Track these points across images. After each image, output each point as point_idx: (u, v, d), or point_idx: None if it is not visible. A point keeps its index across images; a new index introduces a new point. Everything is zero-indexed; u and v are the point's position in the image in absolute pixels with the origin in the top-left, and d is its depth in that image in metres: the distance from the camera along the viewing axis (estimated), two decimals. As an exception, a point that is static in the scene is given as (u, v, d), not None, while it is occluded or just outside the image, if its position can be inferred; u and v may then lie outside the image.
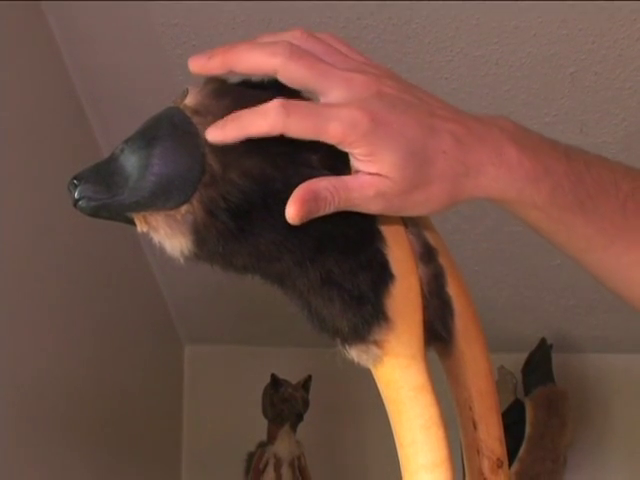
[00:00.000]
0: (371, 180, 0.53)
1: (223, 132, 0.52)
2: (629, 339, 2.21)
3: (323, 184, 0.52)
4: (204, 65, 0.54)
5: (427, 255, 0.58)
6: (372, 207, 0.54)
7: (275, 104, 0.51)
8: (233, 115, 0.52)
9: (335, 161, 0.53)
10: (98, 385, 1.65)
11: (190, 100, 0.53)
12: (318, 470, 2.10)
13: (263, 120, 0.51)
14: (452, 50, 1.38)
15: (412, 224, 0.58)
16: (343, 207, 0.53)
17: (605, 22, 1.33)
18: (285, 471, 2.00)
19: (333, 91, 0.53)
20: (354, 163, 0.53)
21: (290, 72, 0.52)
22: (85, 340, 1.58)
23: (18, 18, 1.31)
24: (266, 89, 0.54)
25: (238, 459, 2.10)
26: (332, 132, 0.52)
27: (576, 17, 1.33)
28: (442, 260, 0.59)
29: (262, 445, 2.06)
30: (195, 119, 0.52)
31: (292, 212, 0.51)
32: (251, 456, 2.08)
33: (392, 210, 0.55)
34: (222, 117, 0.52)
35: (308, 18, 1.34)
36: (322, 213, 0.52)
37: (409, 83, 0.56)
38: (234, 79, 0.55)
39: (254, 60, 0.53)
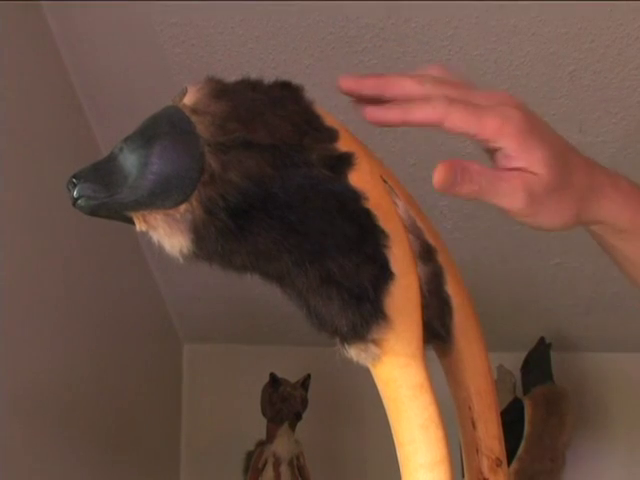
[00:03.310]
0: (520, 174, 0.56)
1: (386, 113, 0.56)
2: (628, 338, 2.21)
3: (474, 165, 0.55)
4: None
5: (426, 254, 0.58)
6: (515, 202, 0.56)
7: (439, 95, 0.56)
8: (396, 102, 0.56)
9: (335, 161, 0.53)
10: (97, 384, 1.65)
11: (189, 99, 0.53)
12: (317, 469, 2.10)
13: (429, 108, 0.55)
14: (451, 49, 1.38)
15: (411, 223, 0.58)
16: (484, 194, 0.55)
17: (604, 21, 1.33)
18: (284, 470, 2.01)
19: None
20: (500, 160, 0.56)
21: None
22: (84, 339, 1.58)
23: (17, 17, 1.31)
24: (265, 90, 0.54)
25: (237, 458, 2.11)
26: (490, 124, 0.55)
27: (575, 16, 1.33)
28: (441, 259, 0.59)
29: (261, 444, 2.06)
30: (194, 118, 0.52)
31: (438, 174, 0.54)
32: (250, 455, 2.08)
33: (528, 210, 0.57)
34: (221, 116, 0.52)
35: (308, 17, 1.34)
36: (463, 191, 0.55)
37: None
38: (232, 79, 0.55)
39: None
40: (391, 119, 0.57)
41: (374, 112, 0.57)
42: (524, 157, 0.56)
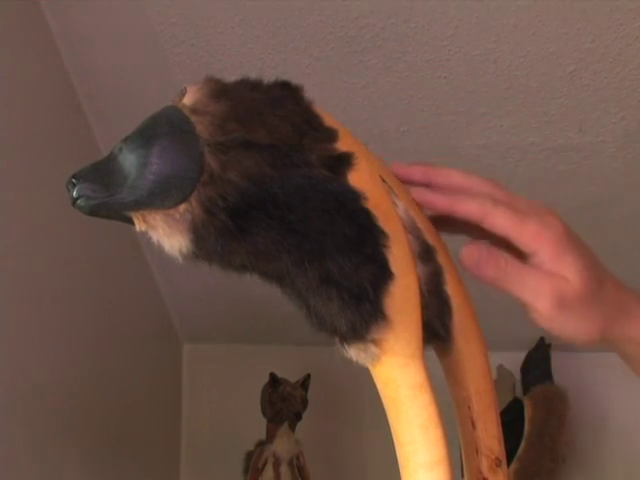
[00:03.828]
0: (551, 276, 0.57)
1: (434, 197, 0.59)
2: (628, 338, 2.20)
3: (504, 253, 0.58)
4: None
5: (426, 254, 0.58)
6: (541, 302, 0.57)
7: (485, 193, 0.59)
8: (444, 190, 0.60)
9: (334, 161, 0.53)
10: (96, 383, 1.65)
11: (188, 99, 0.53)
12: (317, 469, 2.10)
13: (475, 203, 0.58)
14: (451, 49, 1.38)
15: (411, 223, 0.58)
16: (510, 284, 0.57)
17: (604, 21, 1.33)
18: (284, 470, 2.00)
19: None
20: (534, 264, 0.58)
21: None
22: (84, 339, 1.58)
23: (17, 17, 1.31)
24: (264, 90, 0.54)
25: (237, 458, 2.10)
26: (530, 228, 0.57)
27: (575, 16, 1.33)
28: (441, 259, 0.59)
29: (261, 444, 2.06)
30: (193, 118, 0.52)
31: (464, 251, 0.58)
32: (250, 455, 2.08)
33: (553, 314, 0.57)
34: (220, 116, 0.52)
35: (307, 17, 1.34)
36: (488, 273, 0.57)
37: None
38: (232, 79, 0.55)
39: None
40: (437, 203, 0.59)
41: (423, 193, 0.60)
42: (558, 264, 0.57)
